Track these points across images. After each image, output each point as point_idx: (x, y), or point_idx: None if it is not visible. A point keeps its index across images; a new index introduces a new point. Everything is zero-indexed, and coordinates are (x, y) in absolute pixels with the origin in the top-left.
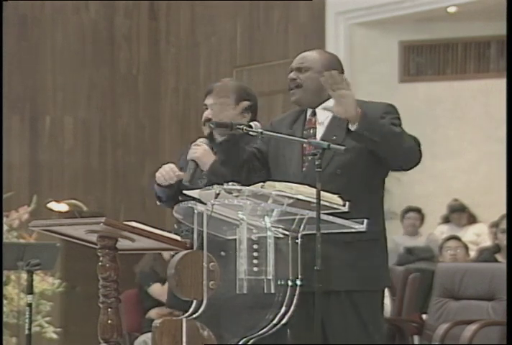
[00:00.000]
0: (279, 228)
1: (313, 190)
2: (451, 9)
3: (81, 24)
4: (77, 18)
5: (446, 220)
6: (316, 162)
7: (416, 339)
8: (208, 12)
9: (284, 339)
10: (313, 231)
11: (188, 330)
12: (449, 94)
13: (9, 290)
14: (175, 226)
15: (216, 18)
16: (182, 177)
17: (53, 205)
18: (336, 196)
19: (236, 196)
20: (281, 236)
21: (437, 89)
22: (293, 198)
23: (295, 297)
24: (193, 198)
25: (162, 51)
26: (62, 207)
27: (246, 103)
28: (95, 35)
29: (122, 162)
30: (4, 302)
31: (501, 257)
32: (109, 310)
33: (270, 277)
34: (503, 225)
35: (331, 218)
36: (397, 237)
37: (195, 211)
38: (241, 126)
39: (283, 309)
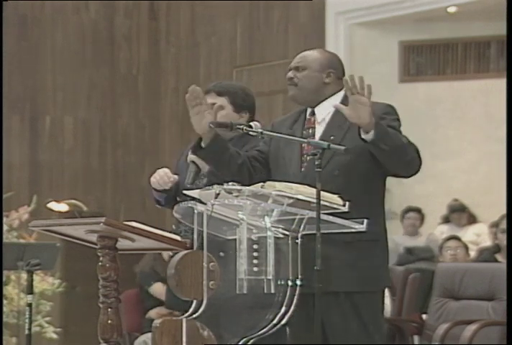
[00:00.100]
0: (279, 228)
1: (313, 190)
2: (451, 9)
3: (81, 24)
4: (77, 18)
5: (446, 220)
6: (316, 162)
7: (416, 339)
8: (208, 12)
9: (284, 339)
10: (313, 231)
11: (188, 330)
12: (449, 94)
13: (9, 290)
14: (174, 226)
15: (216, 18)
16: (176, 180)
17: (53, 205)
18: (336, 196)
19: (236, 196)
20: (281, 236)
21: (437, 89)
22: (293, 198)
23: (295, 297)
24: (193, 198)
25: (162, 51)
26: (62, 207)
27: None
28: (95, 35)
29: (122, 162)
30: (4, 302)
31: (501, 257)
32: (109, 310)
33: (270, 277)
34: (503, 225)
35: (331, 218)
36: (397, 237)
37: (195, 211)
38: (241, 126)
39: (283, 309)
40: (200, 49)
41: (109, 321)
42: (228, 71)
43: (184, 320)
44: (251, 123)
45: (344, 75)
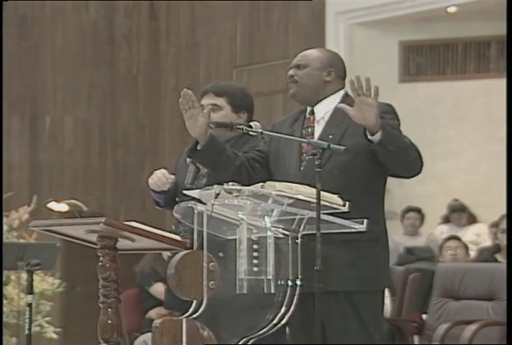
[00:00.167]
0: (279, 228)
1: (313, 190)
2: (451, 9)
3: (81, 24)
4: (77, 18)
5: (446, 220)
6: (316, 162)
7: (416, 339)
8: (208, 12)
9: (284, 339)
10: (313, 231)
11: (188, 330)
12: (449, 94)
13: (9, 290)
14: (173, 226)
15: (216, 18)
16: (174, 181)
17: (53, 205)
18: (336, 196)
19: (236, 196)
20: (281, 236)
21: (437, 89)
22: (293, 198)
23: (295, 297)
24: (193, 198)
25: (162, 51)
26: (62, 207)
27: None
28: (95, 35)
29: (122, 162)
30: (4, 302)
31: (501, 257)
32: (109, 310)
33: (270, 277)
34: (503, 225)
35: (331, 218)
36: (397, 237)
37: (195, 211)
38: (242, 126)
39: (283, 309)
40: (200, 49)
41: (109, 321)
42: (228, 71)
43: (184, 320)
44: (251, 123)
45: (345, 74)
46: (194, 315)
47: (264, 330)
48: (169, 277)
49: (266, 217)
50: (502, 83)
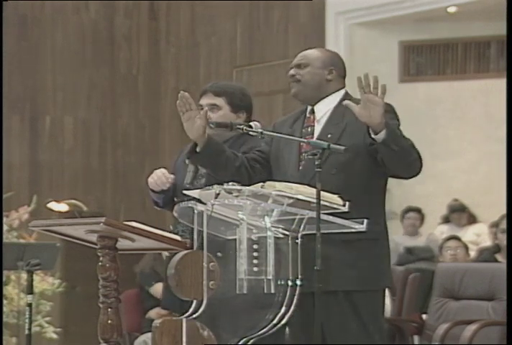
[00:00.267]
0: (279, 228)
1: (313, 190)
2: (451, 9)
3: (81, 24)
4: (77, 18)
5: (446, 220)
6: (316, 162)
7: (416, 339)
8: (208, 12)
9: (284, 339)
10: (313, 231)
11: (188, 330)
12: (449, 94)
13: (9, 290)
14: (171, 226)
15: (216, 18)
16: (174, 181)
17: (53, 205)
18: (336, 196)
19: (236, 196)
20: (281, 236)
21: (437, 89)
22: (293, 198)
23: (295, 297)
24: (191, 198)
25: (162, 51)
26: (62, 207)
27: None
28: (95, 35)
29: (122, 162)
30: (4, 302)
31: (501, 257)
32: (109, 310)
33: (270, 277)
34: (503, 225)
35: (331, 218)
36: (397, 237)
37: (195, 211)
38: (241, 126)
39: (283, 309)
40: (200, 49)
41: (109, 321)
42: (228, 71)
43: (184, 320)
44: (251, 123)
45: (345, 73)
46: (194, 315)
47: (264, 330)
48: (169, 277)
49: (266, 217)
50: (502, 83)
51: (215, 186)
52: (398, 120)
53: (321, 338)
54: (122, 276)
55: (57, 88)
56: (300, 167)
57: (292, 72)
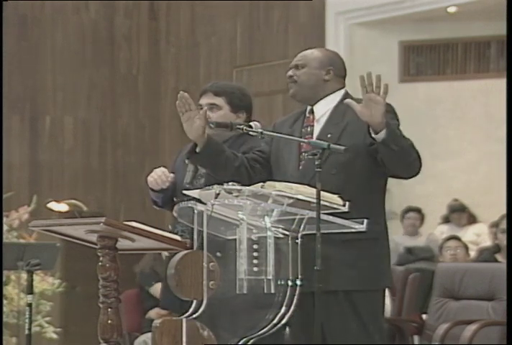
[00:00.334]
0: (279, 228)
1: (313, 190)
2: (451, 9)
3: (81, 24)
4: (77, 18)
5: (446, 220)
6: (316, 162)
7: (416, 339)
8: (208, 12)
9: (284, 339)
10: (313, 231)
11: (188, 330)
12: (449, 94)
13: (9, 290)
14: (170, 226)
15: (216, 18)
16: (173, 180)
17: (53, 205)
18: (336, 196)
19: (236, 196)
20: (281, 236)
21: (437, 89)
22: (293, 198)
23: (295, 297)
24: (191, 198)
25: (162, 51)
26: (62, 207)
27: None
28: (95, 35)
29: (122, 162)
30: (4, 302)
31: (501, 257)
32: (109, 310)
33: (270, 277)
34: (503, 225)
35: (331, 218)
36: (397, 237)
37: (195, 211)
38: (241, 126)
39: (283, 309)
40: (200, 49)
41: (109, 321)
42: (228, 71)
43: (184, 320)
44: (251, 123)
45: (345, 73)
46: (194, 315)
47: (264, 330)
48: (169, 277)
49: (266, 217)
50: (502, 83)
51: (215, 186)
52: (398, 120)
53: (321, 338)
54: (122, 276)
55: (57, 88)
56: (300, 167)
57: (290, 73)
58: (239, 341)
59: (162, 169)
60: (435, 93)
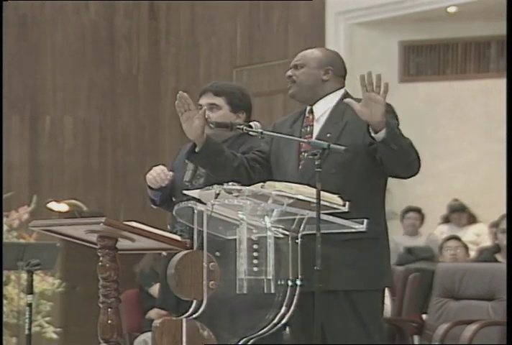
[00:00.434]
0: (279, 228)
1: (313, 190)
2: (451, 9)
3: (81, 24)
4: (77, 18)
5: (446, 220)
6: (316, 162)
7: (416, 339)
8: (208, 12)
9: (284, 339)
10: (313, 231)
11: (188, 330)
12: (449, 94)
13: (9, 290)
14: (169, 226)
15: (216, 18)
16: (172, 178)
17: (53, 205)
18: (336, 196)
19: (236, 196)
20: (281, 236)
21: (437, 89)
22: (293, 198)
23: (295, 297)
24: (189, 198)
25: (162, 51)
26: (62, 207)
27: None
28: (95, 35)
29: (122, 162)
30: (4, 302)
31: (501, 257)
32: (109, 310)
33: (270, 277)
34: (503, 225)
35: (331, 218)
36: (397, 237)
37: (195, 211)
38: (241, 126)
39: (283, 309)
40: (200, 49)
41: (109, 321)
42: (228, 71)
43: (184, 320)
44: (251, 123)
45: (345, 73)
46: (194, 315)
47: (264, 330)
48: (169, 277)
49: (266, 217)
50: (502, 83)
51: (215, 186)
52: (398, 120)
53: (321, 338)
54: (122, 276)
55: (57, 88)
56: (300, 167)
57: (289, 73)
58: (239, 341)
59: (162, 167)
60: (435, 93)
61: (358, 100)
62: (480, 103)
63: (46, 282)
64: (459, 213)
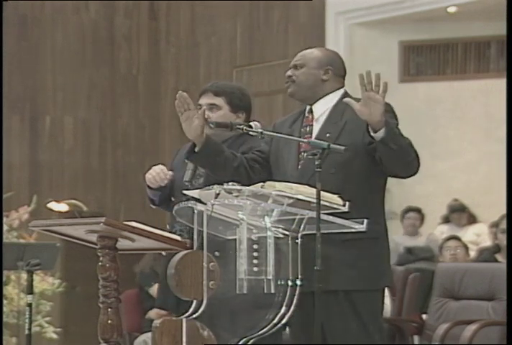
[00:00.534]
0: (279, 228)
1: (313, 190)
2: (451, 9)
3: (81, 24)
4: (77, 18)
5: (446, 220)
6: (316, 162)
7: (416, 339)
8: (208, 12)
9: (284, 339)
10: (313, 231)
11: (188, 330)
12: (449, 94)
13: (9, 290)
14: (168, 226)
15: (216, 18)
16: (172, 177)
17: (53, 205)
18: (336, 196)
19: (236, 196)
20: (281, 236)
21: (437, 89)
22: (293, 198)
23: (295, 297)
24: (189, 198)
25: (162, 51)
26: (62, 207)
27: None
28: (95, 35)
29: (122, 162)
30: (4, 302)
31: (501, 257)
32: (109, 310)
33: (270, 277)
34: (503, 225)
35: (331, 218)
36: (397, 237)
37: (195, 211)
38: (241, 126)
39: (283, 309)
40: (200, 49)
41: (109, 321)
42: (228, 71)
43: (184, 320)
44: (251, 123)
45: (345, 73)
46: (194, 315)
47: (264, 330)
48: (169, 277)
49: (266, 217)
50: (502, 83)
51: (215, 186)
52: (397, 119)
53: (321, 338)
54: (122, 276)
55: (57, 88)
56: (299, 167)
57: (289, 73)
58: (239, 341)
59: (161, 166)
60: (435, 93)
61: (357, 99)
62: (480, 103)
63: (46, 282)
64: (459, 213)
